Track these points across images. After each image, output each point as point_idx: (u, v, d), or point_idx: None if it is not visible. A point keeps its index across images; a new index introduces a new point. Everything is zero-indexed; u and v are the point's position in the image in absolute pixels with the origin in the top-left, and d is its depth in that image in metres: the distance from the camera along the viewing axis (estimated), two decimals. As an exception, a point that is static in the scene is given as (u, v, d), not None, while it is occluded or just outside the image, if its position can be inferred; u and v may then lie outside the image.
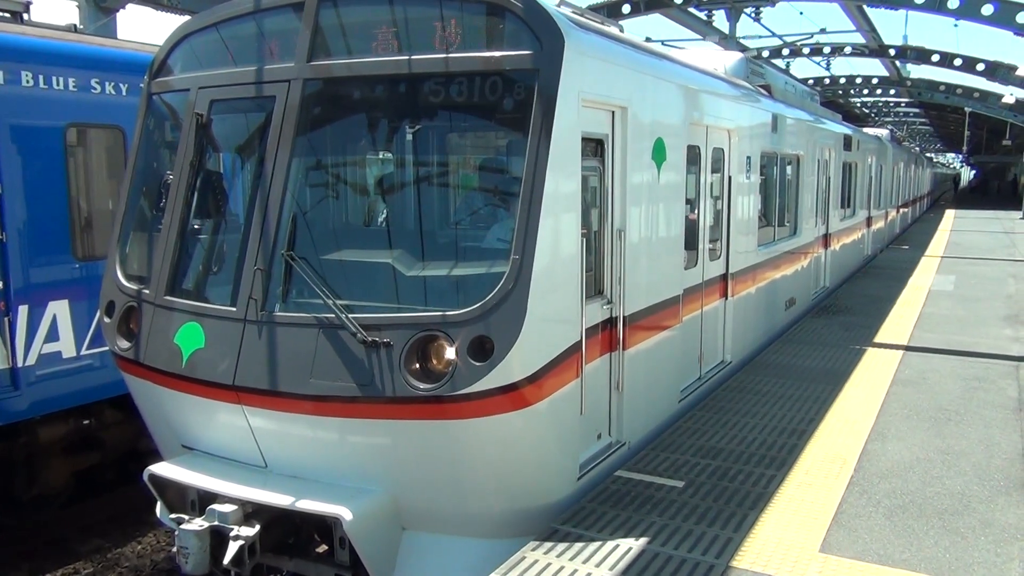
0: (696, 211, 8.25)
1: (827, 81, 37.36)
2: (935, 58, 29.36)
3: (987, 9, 19.46)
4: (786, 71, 28.66)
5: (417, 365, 5.03)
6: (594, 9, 21.95)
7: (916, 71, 38.46)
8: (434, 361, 5.06)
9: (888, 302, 14.40)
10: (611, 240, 6.25)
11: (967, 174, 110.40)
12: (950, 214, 42.27)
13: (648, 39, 14.20)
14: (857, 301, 14.58)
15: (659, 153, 6.86)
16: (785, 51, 28.82)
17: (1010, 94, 33.65)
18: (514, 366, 4.91)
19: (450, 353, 4.96)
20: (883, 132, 26.98)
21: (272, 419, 5.38)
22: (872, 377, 9.30)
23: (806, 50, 29.25)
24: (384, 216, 6.33)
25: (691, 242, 8.05)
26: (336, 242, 5.98)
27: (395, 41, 5.43)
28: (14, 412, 7.91)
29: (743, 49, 24.81)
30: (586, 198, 5.87)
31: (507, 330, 4.88)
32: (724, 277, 9.11)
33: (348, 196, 6.37)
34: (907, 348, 10.75)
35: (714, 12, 21.70)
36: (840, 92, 40.20)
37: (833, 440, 7.18)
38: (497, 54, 5.20)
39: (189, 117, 6.13)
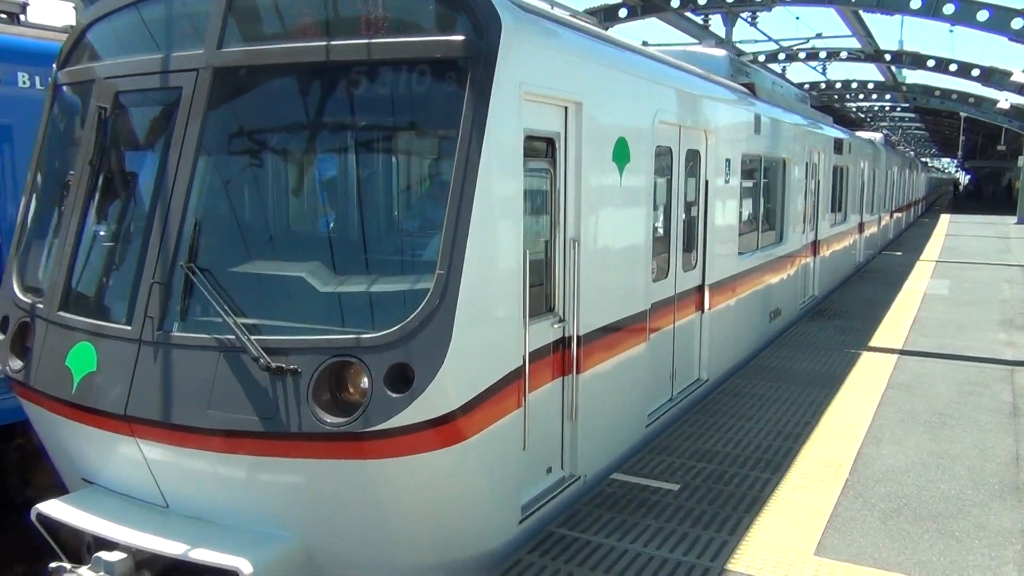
0: (668, 218, 7.70)
1: (823, 85, 37.47)
2: (931, 63, 29.46)
3: (982, 15, 19.52)
4: (782, 75, 28.74)
5: (329, 396, 4.42)
6: (590, 13, 22.01)
7: (912, 76, 38.47)
8: (349, 391, 4.46)
9: (883, 306, 14.43)
10: (563, 251, 5.63)
11: (962, 179, 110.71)
12: (945, 219, 42.38)
13: (645, 43, 14.14)
14: (852, 305, 14.61)
15: (621, 154, 6.26)
16: (781, 55, 28.89)
17: (1005, 99, 33.78)
18: (439, 397, 4.30)
19: (366, 382, 4.36)
20: (877, 136, 26.91)
21: (169, 454, 4.73)
22: (867, 381, 9.31)
23: (802, 55, 29.32)
24: (300, 224, 5.59)
25: (662, 251, 7.54)
26: (245, 252, 5.16)
27: (316, 26, 4.80)
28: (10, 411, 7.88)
29: (739, 54, 24.86)
30: (533, 204, 5.36)
31: (430, 356, 4.28)
32: (700, 289, 8.51)
33: (260, 200, 5.47)
34: (902, 352, 10.77)
35: (710, 17, 21.73)
36: (836, 97, 40.30)
37: (828, 444, 7.19)
38: (424, 39, 4.60)
39: (92, 111, 5.46)
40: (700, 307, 8.55)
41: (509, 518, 5.17)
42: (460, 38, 4.56)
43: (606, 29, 13.66)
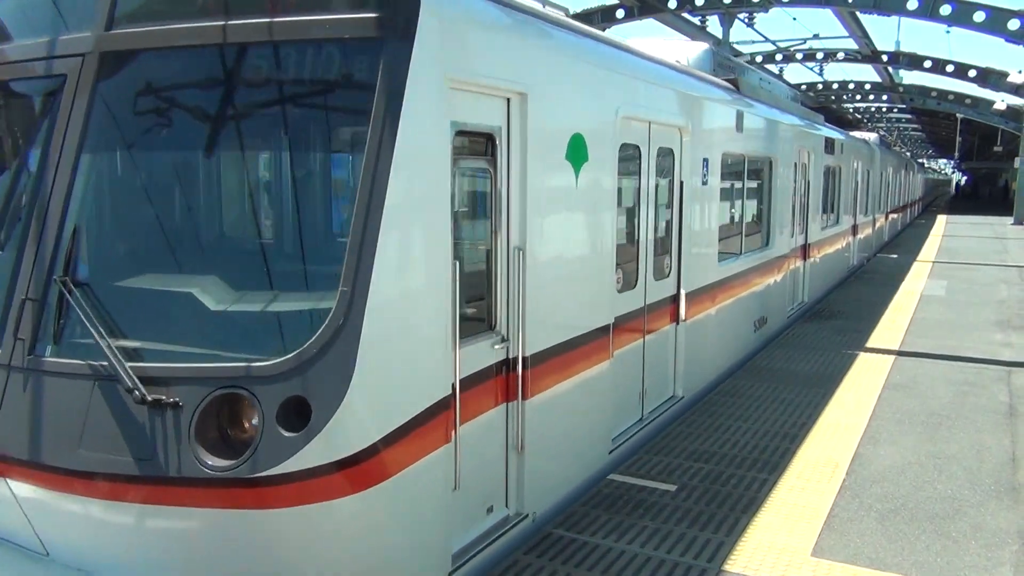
0: (636, 223, 6.99)
1: (820, 86, 37.52)
2: (927, 64, 29.52)
3: (979, 16, 19.58)
4: (779, 76, 28.75)
5: (216, 434, 3.83)
6: (587, 13, 22.03)
7: (909, 77, 38.51)
8: (239, 429, 3.87)
9: (880, 307, 14.44)
10: (506, 261, 5.00)
11: (958, 180, 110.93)
12: (942, 219, 42.44)
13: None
14: (849, 305, 14.62)
15: (577, 152, 5.65)
16: (778, 56, 28.92)
17: (1001, 100, 33.87)
18: (341, 435, 3.72)
19: (256, 419, 3.77)
20: (871, 136, 26.77)
21: (43, 496, 4.09)
22: (864, 381, 9.32)
23: (799, 55, 29.36)
24: (194, 231, 4.77)
25: (629, 259, 6.90)
26: (131, 264, 4.55)
27: (216, 4, 4.21)
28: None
29: (736, 54, 24.88)
30: (469, 208, 4.86)
31: (330, 387, 3.71)
32: (675, 298, 7.85)
33: (150, 204, 4.75)
34: (899, 353, 10.79)
35: (708, 17, 21.75)
36: (833, 98, 40.35)
37: (825, 444, 7.19)
38: (331, 17, 4.02)
39: None
40: (675, 318, 7.90)
41: (438, 568, 4.47)
42: (371, 15, 3.96)
43: (603, 30, 13.60)
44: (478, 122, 4.70)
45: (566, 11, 6.47)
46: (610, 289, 6.33)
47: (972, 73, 29.05)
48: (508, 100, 4.93)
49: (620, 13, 21.92)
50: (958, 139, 56.67)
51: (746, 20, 20.79)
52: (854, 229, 19.33)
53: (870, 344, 11.33)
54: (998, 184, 78.59)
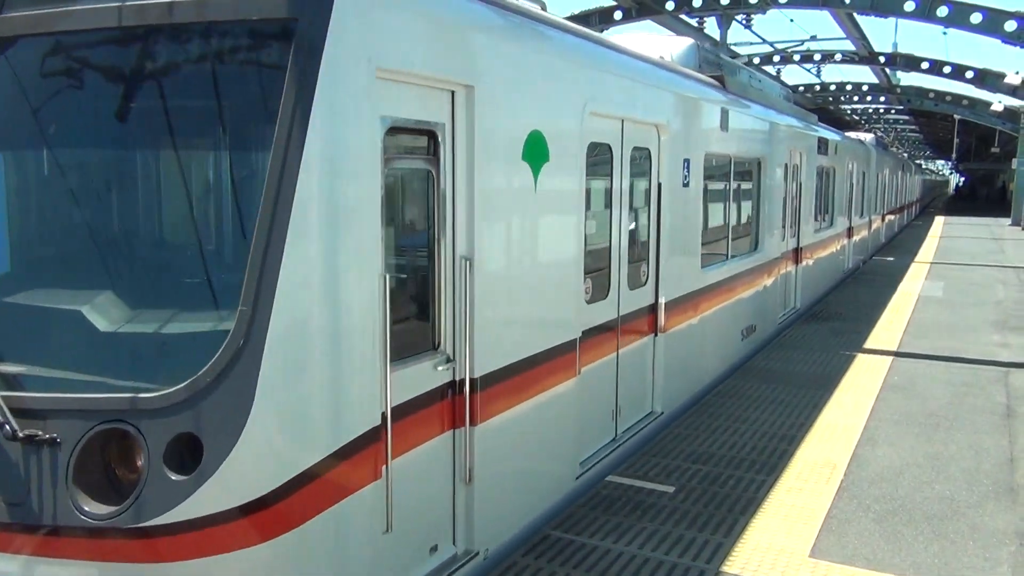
0: (608, 228, 6.53)
1: (818, 88, 37.55)
2: (925, 65, 29.54)
3: (975, 17, 19.60)
4: (776, 77, 28.77)
5: (100, 476, 3.40)
6: (585, 15, 22.05)
7: (906, 78, 38.53)
8: (127, 468, 3.41)
9: (878, 308, 14.46)
10: (451, 272, 4.48)
11: (955, 181, 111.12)
12: (940, 220, 42.50)
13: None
14: (847, 307, 14.63)
15: (536, 151, 5.13)
16: (776, 58, 28.95)
17: (999, 101, 33.94)
18: (238, 478, 3.26)
19: (142, 459, 3.32)
20: (867, 136, 26.59)
21: None
22: (862, 382, 9.33)
23: (797, 57, 29.39)
24: (87, 240, 4.08)
25: (600, 267, 6.41)
26: (14, 278, 4.07)
27: None
28: None
29: (734, 56, 24.89)
30: (407, 214, 4.41)
31: (225, 422, 3.25)
32: (653, 308, 7.37)
33: (38, 208, 4.22)
34: (897, 354, 10.79)
35: (705, 19, 21.78)
36: (831, 99, 40.38)
37: (823, 445, 7.20)
38: None
39: None
40: (653, 329, 7.42)
41: None
42: None
43: (601, 32, 13.59)
44: (416, 117, 4.19)
45: (542, 4, 5.98)
46: (577, 300, 5.83)
47: (969, 74, 29.08)
48: (452, 93, 4.41)
49: (618, 15, 21.93)
50: (955, 140, 56.74)
51: (743, 22, 20.81)
52: (849, 232, 18.98)
53: (868, 345, 11.34)
54: (996, 185, 78.73)
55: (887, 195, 28.13)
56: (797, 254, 13.50)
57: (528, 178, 5.10)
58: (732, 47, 22.32)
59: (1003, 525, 5.66)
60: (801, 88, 35.42)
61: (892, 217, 31.29)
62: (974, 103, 39.06)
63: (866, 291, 16.68)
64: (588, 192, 5.96)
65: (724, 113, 9.01)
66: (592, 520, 5.60)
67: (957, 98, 39.42)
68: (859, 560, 5.13)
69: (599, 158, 6.29)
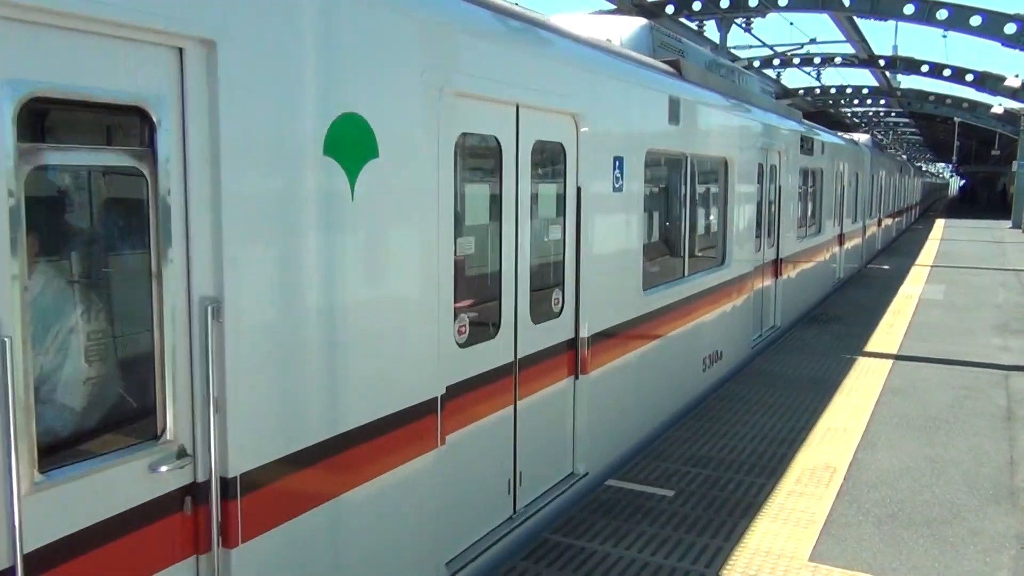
0: (497, 246, 5.09)
1: (818, 91, 37.56)
2: (925, 68, 29.54)
3: (975, 20, 19.60)
4: (776, 80, 28.78)
5: None
6: (586, 19, 22.04)
7: (906, 81, 38.54)
8: None
9: (878, 311, 14.45)
10: (184, 323, 3.06)
11: (955, 184, 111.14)
12: (940, 223, 42.51)
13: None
14: (847, 310, 14.63)
15: (351, 144, 3.70)
16: (776, 61, 28.97)
17: (999, 104, 33.91)
18: None
19: None
20: (863, 137, 25.94)
21: None
22: (862, 386, 9.31)
23: (797, 60, 29.41)
24: None
25: (486, 297, 5.05)
26: None
27: None
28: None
29: (734, 59, 24.89)
30: (104, 238, 3.05)
31: None
32: (571, 344, 5.95)
33: None
34: (897, 357, 10.78)
35: (705, 23, 21.80)
36: (831, 102, 40.40)
37: (823, 449, 7.18)
38: None
39: None
40: (573, 370, 5.99)
41: None
42: None
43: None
44: (102, 87, 2.73)
45: None
46: (437, 345, 4.36)
47: (969, 77, 29.07)
48: (181, 52, 2.97)
49: (617, 18, 21.94)
50: (956, 143, 56.75)
51: (743, 25, 20.83)
52: (840, 239, 17.81)
53: (868, 348, 11.33)
54: (996, 188, 78.71)
55: (884, 198, 27.35)
56: (777, 266, 12.18)
57: (337, 182, 3.65)
58: (732, 50, 22.34)
59: (1003, 529, 5.65)
60: (801, 91, 35.44)
61: (889, 222, 30.57)
62: (974, 106, 39.05)
63: (866, 294, 16.67)
64: (461, 199, 4.76)
65: (674, 104, 7.54)
66: (591, 524, 5.58)
67: (957, 101, 39.41)
68: (859, 564, 5.12)
69: (472, 155, 5.03)
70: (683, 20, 22.08)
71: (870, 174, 22.46)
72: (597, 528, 5.53)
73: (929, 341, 11.84)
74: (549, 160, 5.71)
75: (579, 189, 5.90)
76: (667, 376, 7.85)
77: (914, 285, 18.03)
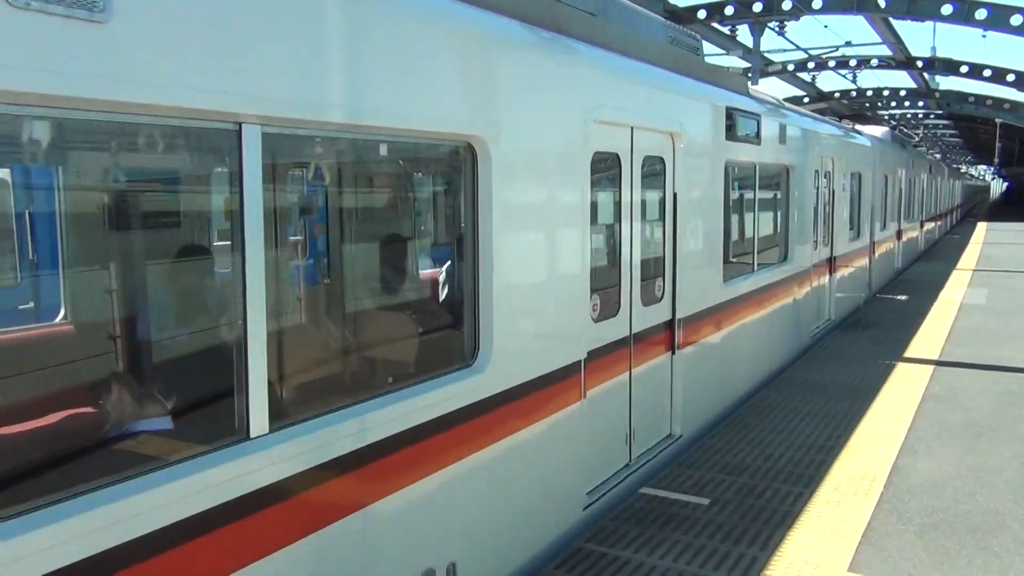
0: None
1: (854, 94, 37.09)
2: (964, 69, 29.04)
3: (1016, 19, 19.23)
4: (811, 84, 28.39)
5: None
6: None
7: (945, 82, 37.89)
8: None
9: (918, 316, 14.19)
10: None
11: (998, 186, 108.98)
12: (982, 227, 41.68)
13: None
14: (886, 316, 14.39)
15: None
16: (810, 64, 28.66)
17: (1041, 105, 33.18)
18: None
19: None
20: (880, 130, 22.47)
21: None
22: (902, 393, 9.15)
23: (832, 63, 29.07)
24: None
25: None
26: None
27: None
28: None
29: (768, 63, 24.65)
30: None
31: None
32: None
33: None
34: (938, 363, 10.57)
35: (737, 27, 21.65)
36: (868, 104, 39.87)
37: (862, 457, 7.06)
38: None
39: None
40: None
41: None
42: None
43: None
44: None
45: None
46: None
47: (1010, 77, 28.50)
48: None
49: (649, 24, 21.87)
50: (997, 144, 55.66)
51: (777, 29, 20.64)
52: (831, 264, 13.23)
53: (908, 354, 11.13)
54: (1040, 190, 77.02)
55: (907, 204, 22.83)
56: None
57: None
58: (766, 54, 22.15)
59: (1050, 539, 5.50)
60: (837, 94, 35.04)
61: (915, 233, 25.61)
62: (1016, 106, 38.27)
63: (905, 299, 16.39)
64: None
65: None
66: (624, 532, 5.54)
67: (998, 102, 38.64)
68: (900, 575, 5.01)
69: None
70: (715, 25, 21.96)
71: (880, 174, 17.75)
72: (631, 536, 5.49)
73: (971, 346, 11.59)
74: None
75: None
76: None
77: (955, 289, 17.68)
